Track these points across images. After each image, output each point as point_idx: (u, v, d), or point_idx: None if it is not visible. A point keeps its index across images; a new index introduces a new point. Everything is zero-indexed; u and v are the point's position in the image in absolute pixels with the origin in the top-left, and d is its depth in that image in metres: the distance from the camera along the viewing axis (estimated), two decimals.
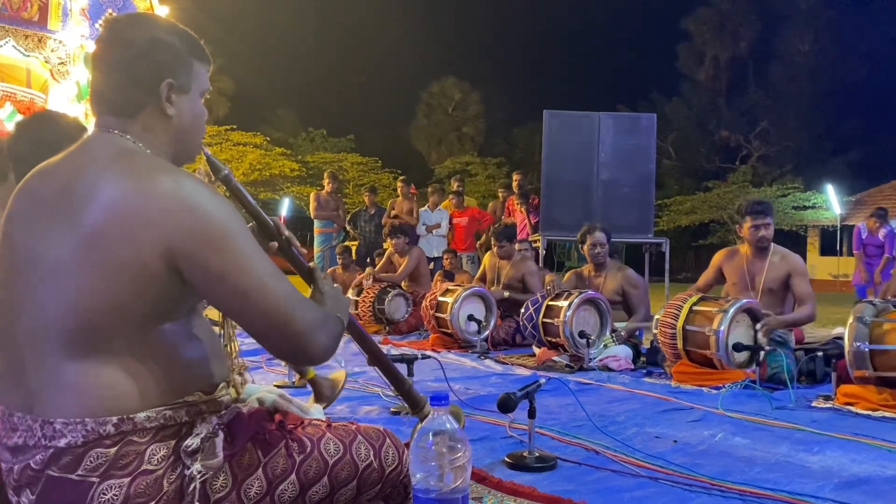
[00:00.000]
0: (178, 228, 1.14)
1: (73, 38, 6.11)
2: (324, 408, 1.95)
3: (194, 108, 1.34)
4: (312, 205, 10.07)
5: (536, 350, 5.25)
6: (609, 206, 8.19)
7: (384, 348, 4.84)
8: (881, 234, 9.60)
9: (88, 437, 1.13)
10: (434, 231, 9.59)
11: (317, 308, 1.31)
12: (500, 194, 10.55)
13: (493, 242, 6.72)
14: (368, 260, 9.20)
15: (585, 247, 5.56)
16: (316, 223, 10.10)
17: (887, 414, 3.29)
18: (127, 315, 1.16)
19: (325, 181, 10.32)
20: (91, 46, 5.97)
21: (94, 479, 1.12)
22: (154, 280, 1.15)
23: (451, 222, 9.71)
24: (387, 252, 8.20)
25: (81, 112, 5.92)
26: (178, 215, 1.14)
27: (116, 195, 1.15)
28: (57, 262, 1.16)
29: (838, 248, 24.46)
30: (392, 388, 1.95)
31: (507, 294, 6.35)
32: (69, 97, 6.17)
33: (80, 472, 1.12)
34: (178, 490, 1.16)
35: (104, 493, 1.12)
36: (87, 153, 1.24)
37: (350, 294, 7.46)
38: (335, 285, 1.49)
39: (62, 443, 1.12)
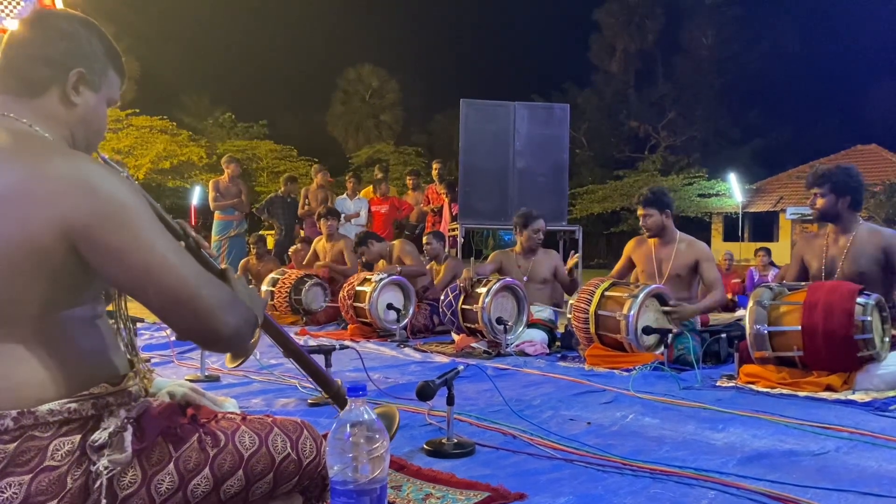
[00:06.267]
0: (74, 208, 1.10)
1: None
2: (242, 362, 1.90)
3: (99, 109, 1.34)
4: (211, 194, 9.42)
5: (455, 337, 5.30)
6: (525, 194, 8.31)
7: (301, 339, 4.76)
8: (770, 275, 9.70)
9: None
10: (353, 220, 9.47)
11: (225, 288, 1.25)
12: (409, 182, 10.33)
13: (424, 242, 6.95)
14: (291, 252, 8.94)
15: (527, 232, 5.65)
16: (216, 211, 9.51)
17: (785, 391, 3.48)
18: (25, 302, 1.11)
19: (225, 165, 9.66)
20: None
21: None
22: (53, 263, 1.11)
23: (370, 210, 9.63)
24: (313, 243, 8.01)
25: None
26: (75, 195, 1.10)
27: (9, 177, 1.10)
28: None
29: (740, 234, 25.64)
30: (321, 390, 1.92)
31: (399, 269, 6.36)
32: None
33: None
34: (83, 487, 1.12)
35: (2, 492, 1.06)
36: None
37: (265, 286, 7.24)
38: (250, 287, 1.45)
39: None
